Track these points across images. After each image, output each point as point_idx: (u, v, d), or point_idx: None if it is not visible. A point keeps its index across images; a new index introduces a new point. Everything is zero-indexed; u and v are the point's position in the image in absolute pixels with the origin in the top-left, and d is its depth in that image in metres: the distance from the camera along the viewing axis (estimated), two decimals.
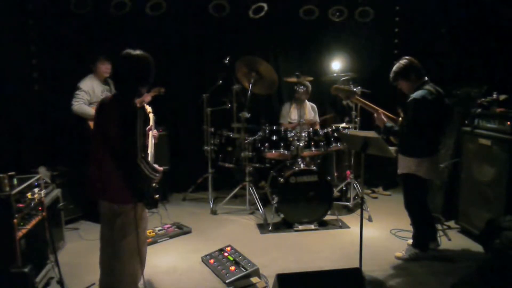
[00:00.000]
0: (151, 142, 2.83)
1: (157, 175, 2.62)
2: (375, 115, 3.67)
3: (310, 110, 5.51)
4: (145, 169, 2.51)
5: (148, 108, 3.11)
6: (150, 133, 2.89)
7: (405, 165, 3.62)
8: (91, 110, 4.43)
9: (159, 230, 4.35)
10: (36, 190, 3.25)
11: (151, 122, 2.98)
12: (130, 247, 2.70)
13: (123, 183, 2.57)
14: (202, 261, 3.76)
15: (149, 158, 2.70)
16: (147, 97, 4.86)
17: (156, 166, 2.66)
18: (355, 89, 4.23)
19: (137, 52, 2.60)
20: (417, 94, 3.44)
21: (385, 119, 3.61)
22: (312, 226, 4.50)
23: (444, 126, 3.83)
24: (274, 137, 4.75)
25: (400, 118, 3.61)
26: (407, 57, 3.60)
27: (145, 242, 2.88)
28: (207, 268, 3.65)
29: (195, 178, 5.62)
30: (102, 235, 2.79)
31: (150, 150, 2.78)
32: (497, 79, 4.71)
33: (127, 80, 2.60)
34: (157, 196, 2.68)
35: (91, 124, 4.16)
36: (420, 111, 3.39)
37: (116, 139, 2.53)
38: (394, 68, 3.62)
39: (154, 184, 2.66)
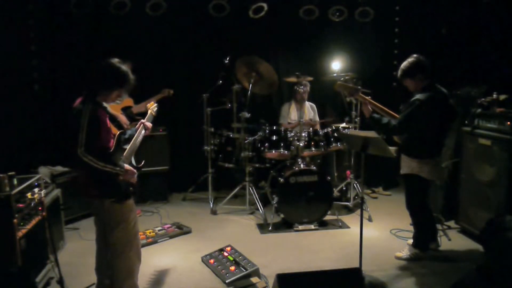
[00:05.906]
0: (137, 135, 2.82)
1: (117, 169, 2.58)
2: (367, 106, 3.65)
3: (310, 110, 5.51)
4: (91, 162, 2.48)
5: (153, 105, 3.15)
6: (140, 128, 2.88)
7: (408, 165, 3.62)
8: None
9: (159, 230, 4.35)
10: (36, 190, 3.25)
11: (147, 117, 3.01)
12: (120, 240, 2.72)
13: (88, 178, 2.60)
14: (202, 261, 3.76)
15: (127, 153, 2.71)
16: (152, 100, 4.77)
17: (121, 163, 2.64)
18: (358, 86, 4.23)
19: (113, 61, 2.66)
20: (423, 95, 3.43)
21: (371, 109, 3.61)
22: (312, 226, 4.50)
23: (448, 127, 3.82)
24: (274, 137, 4.74)
25: None
26: (415, 55, 3.56)
27: (137, 234, 2.89)
28: (207, 268, 3.65)
29: (195, 178, 5.62)
30: (97, 234, 2.83)
31: (133, 144, 2.77)
32: (497, 79, 4.71)
33: (91, 82, 2.66)
34: (131, 189, 2.69)
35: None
36: (422, 111, 3.38)
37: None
38: (402, 65, 3.59)
39: (122, 179, 2.62)
